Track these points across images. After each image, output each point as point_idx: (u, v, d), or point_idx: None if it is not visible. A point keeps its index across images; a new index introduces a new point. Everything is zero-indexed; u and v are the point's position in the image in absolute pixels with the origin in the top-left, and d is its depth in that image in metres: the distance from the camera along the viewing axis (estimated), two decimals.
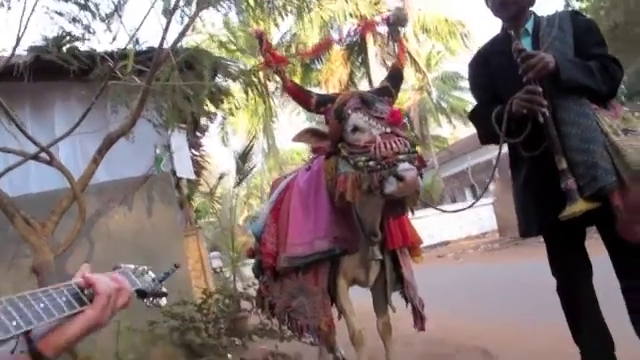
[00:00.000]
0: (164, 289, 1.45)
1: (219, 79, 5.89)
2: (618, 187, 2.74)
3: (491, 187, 28.75)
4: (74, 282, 1.11)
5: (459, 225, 23.28)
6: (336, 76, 25.79)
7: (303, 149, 40.82)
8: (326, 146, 3.21)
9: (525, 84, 2.85)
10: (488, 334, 5.44)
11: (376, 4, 25.26)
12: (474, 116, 3.33)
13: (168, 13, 3.94)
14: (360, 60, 26.21)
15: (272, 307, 3.98)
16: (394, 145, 2.74)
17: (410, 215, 3.53)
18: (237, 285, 6.62)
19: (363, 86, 27.52)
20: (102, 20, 4.36)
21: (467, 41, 25.82)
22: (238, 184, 7.09)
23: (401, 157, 2.71)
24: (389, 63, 27.40)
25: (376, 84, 21.58)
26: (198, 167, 8.65)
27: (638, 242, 2.80)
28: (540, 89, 2.82)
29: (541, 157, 2.91)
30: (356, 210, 3.26)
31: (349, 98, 3.07)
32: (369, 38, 25.08)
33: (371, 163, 2.76)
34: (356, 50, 25.93)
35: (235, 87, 6.50)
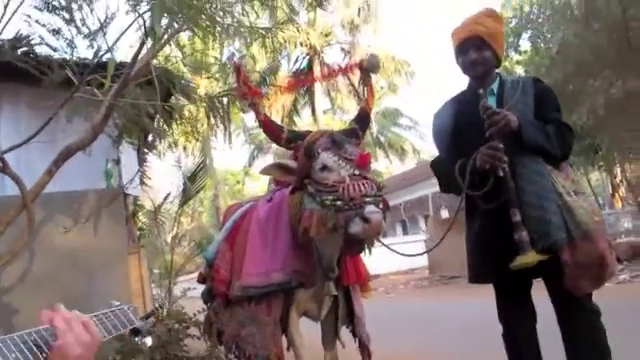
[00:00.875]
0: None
1: (179, 99, 5.88)
2: (568, 243, 2.94)
3: (422, 225, 29.45)
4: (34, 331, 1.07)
5: (388, 259, 23.52)
6: (280, 102, 25.91)
7: (238, 171, 40.74)
8: (292, 181, 3.27)
9: (488, 139, 3.03)
10: None
11: (326, 35, 25.66)
12: (436, 165, 3.49)
13: (152, 33, 3.92)
14: (305, 89, 26.42)
15: (220, 334, 3.97)
16: (362, 187, 2.81)
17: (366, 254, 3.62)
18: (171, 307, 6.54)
19: (306, 114, 27.78)
20: (86, 37, 4.27)
21: (411, 80, 26.47)
22: (183, 204, 7.05)
23: (368, 200, 2.79)
24: (333, 94, 27.83)
25: (319, 112, 21.80)
26: (141, 183, 8.54)
27: (582, 295, 3.02)
28: (502, 146, 3.00)
29: (497, 210, 3.08)
30: (316, 246, 3.33)
31: (319, 137, 3.15)
32: (315, 67, 25.38)
33: (338, 203, 2.82)
34: (302, 78, 26.07)
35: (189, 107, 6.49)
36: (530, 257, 2.92)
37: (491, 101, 3.22)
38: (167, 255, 11.57)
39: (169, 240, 12.48)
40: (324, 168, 2.99)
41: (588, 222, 2.94)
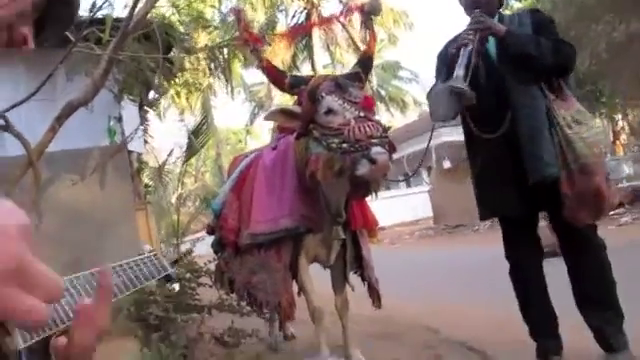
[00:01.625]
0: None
1: (178, 53, 5.82)
2: (566, 176, 2.97)
3: (425, 177, 29.50)
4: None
5: (392, 211, 23.70)
6: (279, 58, 25.60)
7: (239, 129, 40.63)
8: (296, 127, 3.26)
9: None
10: (431, 313, 5.67)
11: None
12: (431, 91, 3.48)
13: None
14: (304, 43, 26.16)
15: (231, 283, 4.01)
16: (367, 129, 2.82)
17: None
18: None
19: (305, 69, 27.54)
20: None
21: (410, 32, 26.17)
22: (188, 159, 7.06)
23: (374, 141, 2.80)
24: (332, 48, 27.54)
25: (319, 67, 21.62)
26: (144, 141, 8.53)
27: (582, 225, 3.06)
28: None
29: (497, 141, 3.11)
30: (323, 191, 3.34)
31: (323, 81, 3.14)
32: (314, 21, 25.07)
33: (344, 145, 2.83)
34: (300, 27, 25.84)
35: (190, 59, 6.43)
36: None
37: (490, 40, 3.23)
38: (173, 215, 11.65)
39: (174, 200, 12.55)
40: (329, 111, 2.99)
41: (587, 155, 2.99)
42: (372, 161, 2.76)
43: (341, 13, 3.95)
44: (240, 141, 42.65)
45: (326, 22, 4.43)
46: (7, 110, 4.69)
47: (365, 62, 3.50)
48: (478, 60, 3.11)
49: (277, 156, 3.65)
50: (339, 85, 3.06)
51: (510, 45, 3.09)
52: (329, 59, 29.00)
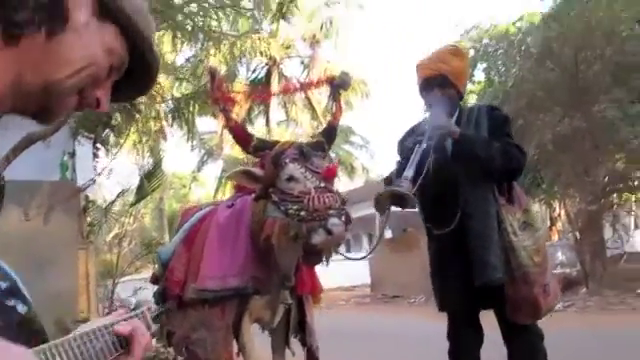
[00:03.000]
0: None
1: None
2: (509, 281, 3.12)
3: (366, 244, 29.66)
4: (110, 325, 1.11)
5: (329, 275, 23.50)
6: (234, 110, 25.68)
7: (185, 175, 40.21)
8: (257, 188, 3.29)
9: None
10: None
11: (287, 47, 25.75)
12: (386, 180, 3.60)
13: None
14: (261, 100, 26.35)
15: (170, 336, 3.93)
16: (326, 200, 2.90)
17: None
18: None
19: (259, 123, 27.71)
20: None
21: (365, 99, 26.76)
22: (137, 202, 6.98)
23: (332, 212, 2.87)
24: (289, 106, 27.86)
25: (273, 124, 21.71)
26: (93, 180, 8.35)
27: (520, 325, 3.19)
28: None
29: (447, 237, 3.24)
30: (275, 254, 3.34)
31: (287, 147, 3.21)
32: (274, 78, 25.43)
33: (302, 213, 2.90)
34: (259, 88, 26.11)
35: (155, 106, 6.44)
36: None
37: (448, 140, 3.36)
38: (106, 254, 11.28)
39: (108, 239, 12.24)
40: (290, 178, 3.05)
41: (527, 265, 3.15)
42: (328, 232, 2.83)
43: (311, 83, 4.06)
44: (184, 186, 42.14)
45: (297, 89, 4.53)
46: None
47: (329, 132, 3.59)
48: (431, 159, 3.21)
49: (232, 214, 3.65)
50: (303, 153, 3.13)
51: (462, 147, 3.21)
52: (284, 116, 29.31)
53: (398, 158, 3.57)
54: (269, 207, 3.15)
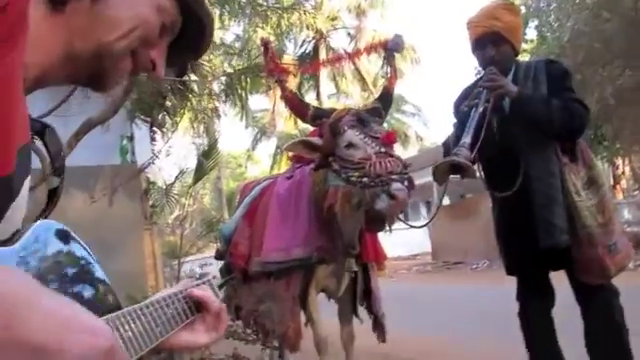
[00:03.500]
0: None
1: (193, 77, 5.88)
2: (574, 242, 3.01)
3: (424, 212, 29.48)
4: (181, 291, 1.09)
5: (390, 244, 23.48)
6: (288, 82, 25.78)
7: (240, 153, 40.65)
8: (315, 158, 3.28)
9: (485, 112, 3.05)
10: (430, 351, 5.64)
11: (333, 19, 25.57)
12: (445, 145, 3.51)
13: None
14: (310, 72, 26.32)
15: (237, 310, 4.00)
16: (388, 165, 2.85)
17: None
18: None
19: (310, 98, 27.69)
20: None
21: (416, 66, 26.38)
22: (196, 182, 7.07)
23: (394, 177, 2.83)
24: (338, 79, 27.74)
25: (324, 97, 21.72)
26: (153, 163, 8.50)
27: (593, 284, 3.07)
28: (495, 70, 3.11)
29: (510, 200, 3.14)
30: (338, 222, 3.34)
31: (344, 114, 3.18)
32: (322, 51, 25.31)
33: (365, 179, 2.87)
34: (308, 62, 26.03)
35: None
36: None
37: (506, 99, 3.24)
38: (169, 236, 11.51)
39: (170, 221, 12.48)
40: (350, 145, 3.02)
41: (590, 225, 3.01)
42: (391, 196, 2.79)
43: (365, 49, 4.02)
44: (240, 165, 42.66)
45: (353, 57, 4.49)
46: None
47: (385, 98, 3.57)
48: (491, 118, 3.10)
49: (292, 186, 3.67)
50: (361, 119, 3.11)
51: (520, 108, 3.09)
52: (334, 89, 29.19)
53: (454, 122, 3.48)
54: (330, 176, 3.16)
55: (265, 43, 3.56)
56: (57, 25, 0.86)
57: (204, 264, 4.62)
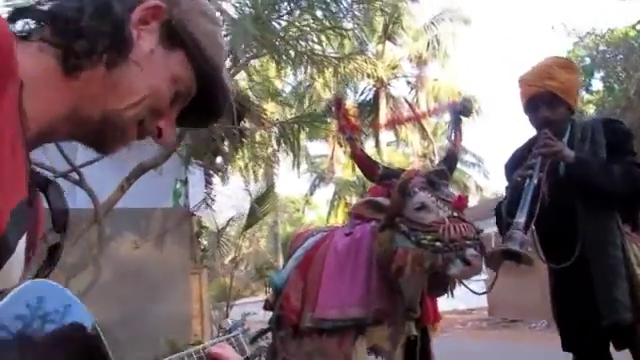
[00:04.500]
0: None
1: (248, 123, 5.92)
2: (637, 319, 2.74)
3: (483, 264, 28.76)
4: (203, 348, 1.04)
5: (445, 297, 22.95)
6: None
7: (298, 198, 40.91)
8: (382, 218, 3.21)
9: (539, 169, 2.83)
10: None
11: (393, 68, 25.65)
12: (497, 211, 3.30)
13: (232, 57, 3.98)
14: (370, 119, 26.37)
15: None
16: (462, 230, 2.78)
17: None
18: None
19: (369, 145, 27.70)
20: None
21: (477, 117, 26.10)
22: (248, 227, 7.06)
23: (468, 242, 2.76)
24: (398, 127, 27.67)
25: (382, 145, 21.72)
26: (206, 205, 8.58)
27: None
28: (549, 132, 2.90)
29: (567, 271, 2.90)
30: (399, 284, 3.25)
31: (414, 175, 3.12)
32: (382, 99, 25.36)
33: (438, 244, 2.81)
34: (367, 110, 26.12)
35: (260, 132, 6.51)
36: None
37: None
38: (223, 278, 11.56)
39: (227, 262, 12.57)
40: (421, 207, 2.96)
41: None
42: (466, 262, 2.74)
43: (436, 109, 3.99)
44: (298, 210, 42.78)
45: (424, 116, 4.51)
46: (82, 166, 4.78)
47: (451, 159, 3.48)
48: (546, 185, 2.89)
49: (351, 243, 3.57)
50: (431, 182, 3.04)
51: (578, 174, 2.86)
52: (393, 137, 29.11)
53: (507, 185, 3.27)
54: (397, 237, 3.06)
55: (337, 100, 3.54)
56: (68, 90, 0.84)
57: (247, 314, 4.53)
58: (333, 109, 3.64)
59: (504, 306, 17.08)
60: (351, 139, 3.43)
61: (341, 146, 25.79)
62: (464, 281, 3.13)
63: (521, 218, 2.76)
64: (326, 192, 33.93)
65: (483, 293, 4.29)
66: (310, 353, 3.48)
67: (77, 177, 4.37)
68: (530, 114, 3.11)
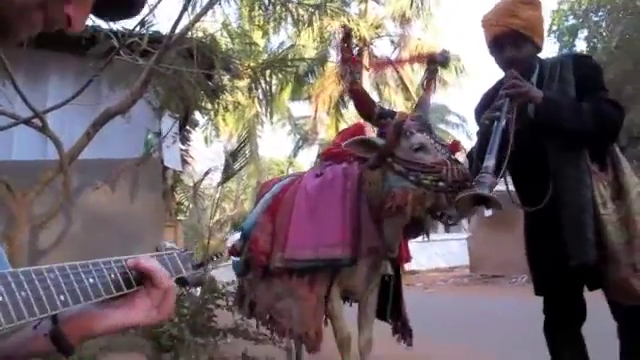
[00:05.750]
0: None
1: (221, 74, 5.81)
2: (600, 259, 2.71)
3: (465, 223, 28.99)
4: (124, 259, 0.96)
5: (427, 256, 23.28)
6: (327, 92, 25.75)
7: (282, 160, 40.83)
8: (371, 158, 3.23)
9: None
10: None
11: (377, 27, 25.42)
12: (469, 157, 3.26)
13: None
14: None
15: (252, 306, 3.88)
16: (463, 172, 2.88)
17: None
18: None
19: (352, 106, 27.55)
20: None
21: (461, 75, 26.00)
22: (225, 181, 7.01)
23: (468, 184, 2.81)
24: (381, 87, 27.53)
25: None
26: (182, 161, 8.49)
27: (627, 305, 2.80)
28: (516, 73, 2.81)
29: (539, 214, 2.87)
30: (383, 225, 3.31)
31: (408, 118, 3.18)
32: (365, 59, 25.14)
33: (441, 184, 2.89)
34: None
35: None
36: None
37: None
38: (204, 240, 11.60)
39: (211, 224, 12.58)
40: (420, 148, 3.02)
41: (614, 242, 2.71)
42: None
43: (414, 58, 3.98)
44: (282, 172, 42.72)
45: (382, 65, 4.52)
46: (46, 112, 4.70)
47: (422, 107, 3.48)
48: (515, 128, 2.83)
49: (322, 184, 3.58)
50: (427, 125, 3.16)
51: (547, 115, 2.77)
52: (377, 97, 28.96)
53: (477, 131, 3.22)
54: (391, 177, 3.10)
55: (346, 31, 3.51)
56: None
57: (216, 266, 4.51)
58: (338, 42, 3.60)
59: (485, 263, 17.26)
60: (352, 72, 3.39)
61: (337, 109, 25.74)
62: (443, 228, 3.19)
63: (490, 161, 2.67)
64: (310, 153, 33.81)
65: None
66: (279, 294, 3.52)
67: (40, 124, 4.28)
68: (496, 55, 3.01)
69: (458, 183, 2.83)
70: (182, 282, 1.19)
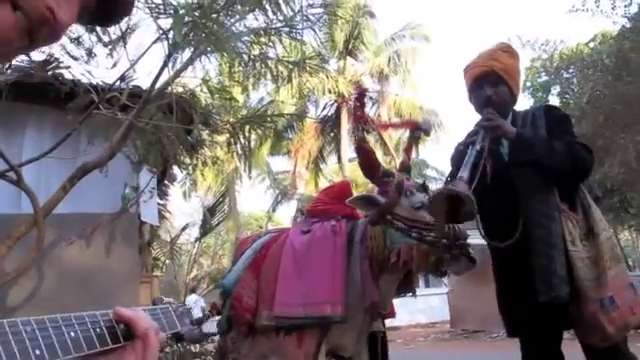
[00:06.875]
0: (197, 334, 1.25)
1: (201, 129, 5.82)
2: (572, 297, 2.73)
3: (445, 278, 28.91)
4: (111, 312, 0.92)
5: (408, 311, 23.08)
6: (306, 147, 25.97)
7: (261, 215, 40.67)
8: (371, 214, 3.28)
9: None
10: None
11: (355, 83, 25.80)
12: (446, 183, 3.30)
13: (169, 54, 3.89)
14: (332, 135, 26.44)
15: None
16: (463, 231, 2.94)
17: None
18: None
19: (332, 161, 27.70)
20: (105, 45, 4.30)
21: (438, 130, 26.35)
22: (202, 236, 6.93)
23: (468, 242, 2.92)
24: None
25: (344, 160, 21.69)
26: (160, 216, 8.40)
27: (599, 347, 2.78)
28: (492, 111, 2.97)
29: (509, 251, 2.89)
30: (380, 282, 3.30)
31: (405, 178, 3.24)
32: (344, 115, 25.41)
33: (444, 241, 2.92)
34: (329, 125, 26.20)
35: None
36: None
37: (504, 141, 3.04)
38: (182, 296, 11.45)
39: (188, 280, 12.38)
40: (421, 207, 3.07)
41: (583, 278, 2.74)
42: (471, 260, 2.89)
43: (401, 123, 4.06)
44: (261, 227, 42.52)
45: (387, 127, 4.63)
46: (21, 165, 4.64)
47: (406, 171, 3.47)
48: (487, 160, 2.88)
49: (311, 241, 3.56)
50: (424, 186, 3.28)
51: (520, 150, 2.89)
52: (355, 154, 29.12)
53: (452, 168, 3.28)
54: (393, 233, 3.16)
55: (360, 89, 3.57)
56: None
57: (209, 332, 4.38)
58: (352, 98, 3.72)
59: (466, 318, 17.13)
60: (364, 131, 3.44)
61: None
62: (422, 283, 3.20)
63: (464, 173, 2.73)
64: (289, 208, 33.81)
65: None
66: (265, 353, 3.45)
67: (15, 178, 4.21)
68: (474, 95, 3.17)
69: (460, 240, 2.89)
70: (177, 337, 1.14)
